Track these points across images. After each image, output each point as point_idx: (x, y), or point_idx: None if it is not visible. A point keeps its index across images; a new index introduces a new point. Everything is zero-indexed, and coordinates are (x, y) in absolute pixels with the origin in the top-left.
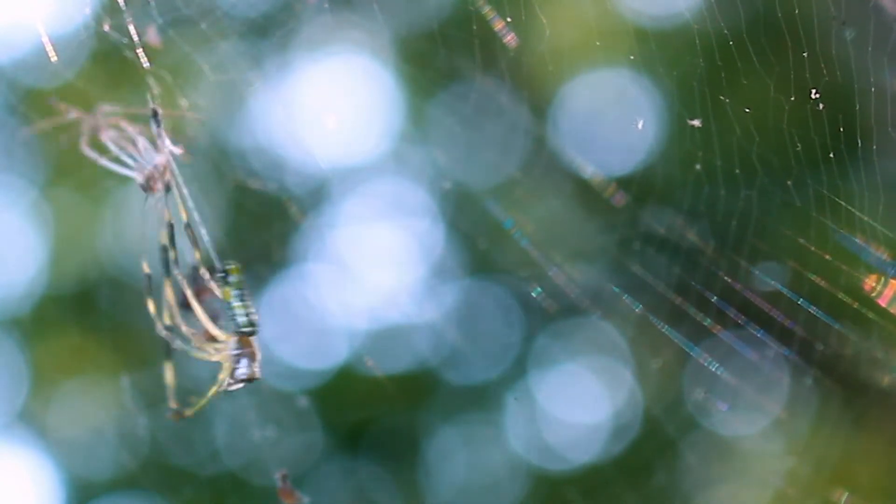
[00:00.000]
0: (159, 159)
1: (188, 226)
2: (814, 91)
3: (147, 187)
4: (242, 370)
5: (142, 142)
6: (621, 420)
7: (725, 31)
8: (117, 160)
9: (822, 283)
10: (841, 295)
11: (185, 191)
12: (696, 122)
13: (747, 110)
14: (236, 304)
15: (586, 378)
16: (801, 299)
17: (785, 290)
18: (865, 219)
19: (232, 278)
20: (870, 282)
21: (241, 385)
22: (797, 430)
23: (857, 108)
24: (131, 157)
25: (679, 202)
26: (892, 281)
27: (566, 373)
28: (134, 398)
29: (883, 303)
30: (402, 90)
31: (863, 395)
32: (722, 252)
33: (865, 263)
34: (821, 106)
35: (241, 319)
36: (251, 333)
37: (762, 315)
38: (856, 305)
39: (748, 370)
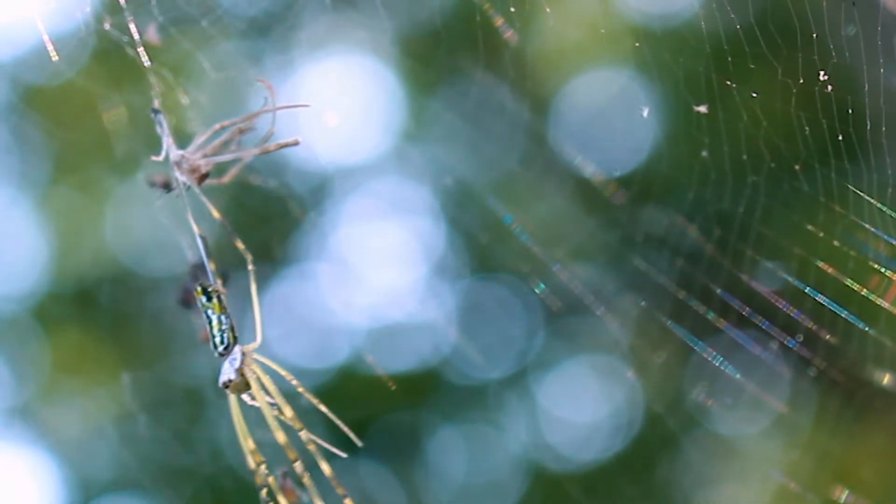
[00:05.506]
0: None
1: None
2: (822, 73)
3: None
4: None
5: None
6: (622, 419)
7: (732, 17)
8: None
9: (830, 271)
10: (848, 282)
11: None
12: (703, 108)
13: (755, 95)
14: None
15: (587, 377)
16: (808, 288)
17: (790, 280)
18: (875, 203)
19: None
20: (877, 274)
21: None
22: (799, 427)
23: (867, 89)
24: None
25: (683, 194)
26: None
27: (567, 371)
28: (134, 396)
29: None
30: (404, 88)
31: (865, 390)
32: (726, 243)
33: (874, 252)
34: (829, 88)
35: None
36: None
37: (766, 308)
38: (863, 293)
39: (750, 366)
